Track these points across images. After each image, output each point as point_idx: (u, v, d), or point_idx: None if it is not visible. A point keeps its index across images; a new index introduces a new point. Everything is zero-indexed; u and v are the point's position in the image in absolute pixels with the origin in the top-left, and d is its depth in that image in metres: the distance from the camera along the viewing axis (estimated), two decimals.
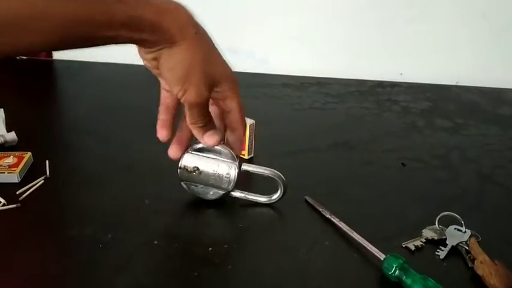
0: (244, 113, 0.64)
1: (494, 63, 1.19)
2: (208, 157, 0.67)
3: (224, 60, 0.62)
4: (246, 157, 0.81)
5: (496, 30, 1.16)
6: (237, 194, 0.69)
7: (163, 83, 0.64)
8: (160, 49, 0.54)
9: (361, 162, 0.83)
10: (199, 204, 0.69)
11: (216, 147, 0.65)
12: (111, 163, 0.79)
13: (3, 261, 0.58)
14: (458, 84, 1.21)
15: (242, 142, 0.67)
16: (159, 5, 0.52)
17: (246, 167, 0.68)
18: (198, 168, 0.67)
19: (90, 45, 0.51)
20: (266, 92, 1.13)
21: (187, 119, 0.61)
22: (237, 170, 0.66)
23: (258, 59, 1.26)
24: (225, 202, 0.70)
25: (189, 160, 0.67)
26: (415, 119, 1.01)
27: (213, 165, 0.67)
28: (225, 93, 0.62)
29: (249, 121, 0.79)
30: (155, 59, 0.56)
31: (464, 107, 1.08)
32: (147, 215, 0.67)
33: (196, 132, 0.63)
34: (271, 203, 0.69)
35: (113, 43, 0.51)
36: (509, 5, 1.14)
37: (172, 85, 0.57)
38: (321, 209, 0.68)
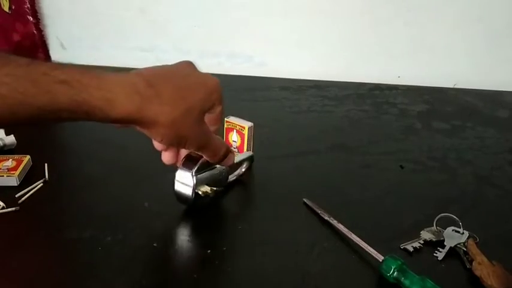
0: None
1: (492, 65, 1.20)
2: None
3: (199, 80, 0.55)
4: None
5: (493, 33, 1.17)
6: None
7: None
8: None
9: (359, 164, 0.83)
10: (201, 206, 0.69)
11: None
12: (110, 166, 0.80)
13: (3, 264, 0.58)
14: (456, 86, 1.21)
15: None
16: (107, 88, 0.47)
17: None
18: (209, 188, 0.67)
19: (41, 122, 0.47)
20: (264, 95, 1.13)
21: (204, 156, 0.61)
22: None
23: (256, 63, 1.26)
24: (223, 205, 0.70)
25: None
26: (412, 121, 1.01)
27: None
28: (214, 107, 0.57)
29: (248, 124, 0.79)
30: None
31: (461, 110, 1.08)
32: (146, 217, 0.67)
33: (213, 161, 0.62)
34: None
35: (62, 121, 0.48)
36: (505, 8, 1.14)
37: (169, 146, 0.58)
38: (319, 211, 0.68)
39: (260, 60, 1.26)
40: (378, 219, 0.68)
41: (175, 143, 0.55)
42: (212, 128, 0.58)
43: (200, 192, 0.65)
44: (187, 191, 0.65)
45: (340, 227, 0.64)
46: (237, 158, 0.73)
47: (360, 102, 1.10)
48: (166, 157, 0.62)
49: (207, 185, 0.66)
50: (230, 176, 0.73)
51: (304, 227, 0.67)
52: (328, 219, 0.66)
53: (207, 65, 1.25)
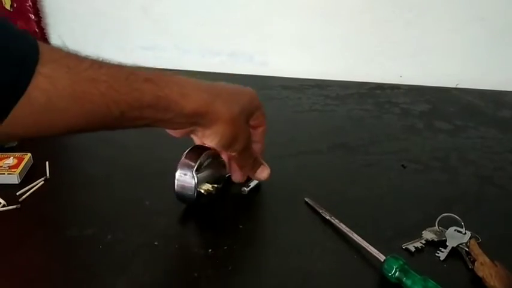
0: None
1: (494, 65, 1.19)
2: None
3: (241, 87, 0.62)
4: None
5: (496, 33, 1.16)
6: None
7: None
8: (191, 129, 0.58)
9: (361, 164, 0.83)
10: (201, 205, 0.69)
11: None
12: (111, 165, 0.80)
13: (3, 262, 0.58)
14: (458, 86, 1.21)
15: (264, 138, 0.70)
16: (183, 84, 0.54)
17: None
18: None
19: (114, 128, 0.53)
20: (265, 94, 1.13)
21: (237, 162, 0.64)
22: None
23: (257, 62, 1.26)
24: (225, 205, 0.70)
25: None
26: (414, 121, 1.01)
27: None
28: (256, 113, 0.64)
29: None
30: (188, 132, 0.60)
31: (464, 110, 1.08)
32: (147, 216, 0.67)
33: (246, 173, 0.66)
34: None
35: (138, 125, 0.53)
36: (508, 7, 1.14)
37: (220, 148, 0.61)
38: (321, 211, 0.68)
39: (261, 59, 1.26)
40: (380, 219, 0.68)
41: (228, 142, 0.59)
42: (258, 131, 0.66)
43: (202, 191, 0.65)
44: (189, 190, 0.64)
45: (342, 226, 0.64)
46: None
47: (362, 101, 1.10)
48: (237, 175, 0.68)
49: (208, 182, 0.66)
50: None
51: (306, 226, 0.66)
52: (329, 218, 0.66)
53: (209, 64, 1.26)
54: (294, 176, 0.78)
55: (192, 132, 0.60)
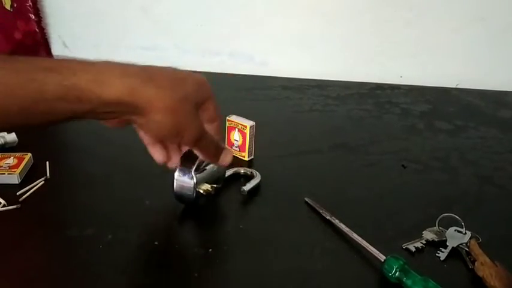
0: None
1: (494, 65, 1.19)
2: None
3: (188, 74, 0.53)
4: (246, 159, 0.81)
5: (496, 33, 1.16)
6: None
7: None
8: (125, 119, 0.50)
9: (361, 164, 0.83)
10: (200, 205, 0.69)
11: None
12: (111, 164, 0.80)
13: (4, 261, 0.58)
14: (458, 86, 1.21)
15: (221, 132, 0.62)
16: (97, 71, 0.46)
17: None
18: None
19: (26, 125, 0.47)
20: (266, 94, 1.13)
21: (199, 154, 0.59)
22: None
23: (258, 62, 1.26)
24: (225, 204, 0.70)
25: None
26: (415, 121, 1.01)
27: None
28: (206, 103, 0.55)
29: (249, 123, 0.79)
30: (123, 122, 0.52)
31: (464, 110, 1.08)
32: (147, 215, 0.67)
33: (211, 161, 0.62)
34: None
35: (62, 119, 0.46)
36: (508, 7, 1.14)
37: (164, 139, 0.55)
38: (321, 211, 0.68)
39: (261, 59, 1.26)
40: (380, 219, 0.68)
41: (171, 134, 0.51)
42: (212, 126, 0.57)
43: (201, 191, 0.65)
44: (188, 190, 0.64)
45: (342, 226, 0.64)
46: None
47: (362, 101, 1.10)
48: (157, 153, 0.60)
49: (207, 182, 0.66)
50: (227, 172, 0.74)
51: (306, 226, 0.66)
52: (329, 218, 0.66)
53: (209, 64, 1.26)
54: (294, 175, 0.78)
55: (128, 122, 0.52)
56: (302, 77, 1.22)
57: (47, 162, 0.77)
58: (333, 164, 0.83)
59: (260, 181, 0.73)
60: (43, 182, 0.73)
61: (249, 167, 0.80)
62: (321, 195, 0.71)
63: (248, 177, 0.75)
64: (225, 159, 0.60)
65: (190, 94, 0.51)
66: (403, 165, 0.82)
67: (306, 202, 0.70)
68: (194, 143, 0.53)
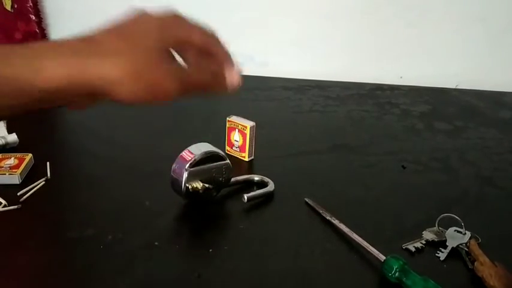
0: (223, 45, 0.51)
1: (494, 66, 1.19)
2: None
3: (147, 20, 0.45)
4: (246, 159, 0.81)
5: (495, 34, 1.17)
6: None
7: None
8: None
9: (361, 164, 0.83)
10: (200, 206, 0.69)
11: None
12: (111, 165, 0.80)
13: (4, 262, 0.58)
14: (458, 87, 1.21)
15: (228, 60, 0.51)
16: (34, 55, 0.40)
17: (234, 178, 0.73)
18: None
19: None
20: (266, 94, 1.13)
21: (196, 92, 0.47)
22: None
23: (258, 62, 1.26)
24: (226, 205, 0.70)
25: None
26: (414, 121, 1.01)
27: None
28: (186, 39, 0.47)
29: (250, 123, 0.79)
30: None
31: (463, 110, 1.08)
32: (147, 216, 0.67)
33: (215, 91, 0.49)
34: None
35: (13, 113, 0.40)
36: (507, 8, 1.14)
37: (147, 102, 0.43)
38: (321, 211, 0.68)
39: (262, 60, 1.26)
40: (380, 219, 0.68)
41: (147, 98, 0.42)
42: (215, 60, 0.48)
43: (190, 187, 0.66)
44: (178, 184, 0.66)
45: (342, 226, 0.64)
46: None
47: (362, 102, 1.10)
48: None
49: (201, 181, 0.66)
50: (234, 179, 0.73)
51: (306, 226, 0.67)
52: (329, 219, 0.66)
53: None
54: (294, 176, 0.78)
55: (96, 100, 0.44)
56: (302, 77, 1.22)
57: (48, 163, 0.77)
58: (333, 165, 0.83)
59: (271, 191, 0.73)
60: (44, 182, 0.73)
61: (249, 167, 0.80)
62: (321, 196, 0.71)
63: (260, 185, 0.75)
64: (233, 80, 0.50)
65: (153, 44, 0.42)
66: (403, 166, 0.82)
67: (306, 202, 0.71)
68: (180, 93, 0.44)
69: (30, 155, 0.77)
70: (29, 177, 0.74)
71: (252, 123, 0.79)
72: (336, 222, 0.65)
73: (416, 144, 0.91)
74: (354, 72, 1.22)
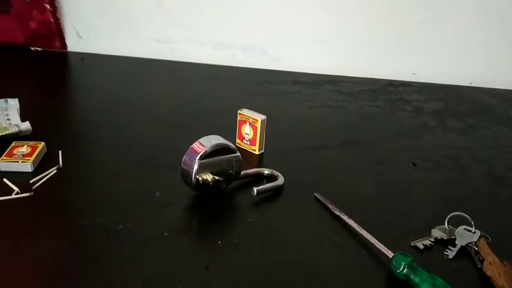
0: None
1: (508, 64, 1.18)
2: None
3: None
4: (257, 153, 0.81)
5: (509, 32, 1.15)
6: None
7: None
8: None
9: (372, 160, 0.83)
10: (209, 198, 0.69)
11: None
12: (123, 155, 0.80)
13: (15, 248, 0.59)
14: (471, 85, 1.20)
15: None
16: None
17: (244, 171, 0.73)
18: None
19: None
20: (278, 88, 1.13)
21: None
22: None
23: (270, 56, 1.26)
24: (235, 197, 0.71)
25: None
26: (427, 119, 1.00)
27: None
28: None
29: (261, 116, 0.79)
30: None
31: (476, 108, 1.07)
32: (158, 207, 0.67)
33: None
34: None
35: None
36: None
37: None
38: (330, 206, 0.68)
39: (274, 54, 1.26)
40: (389, 216, 0.68)
41: None
42: None
43: (200, 179, 0.66)
44: (189, 175, 0.66)
45: (351, 222, 0.64)
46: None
47: (374, 98, 1.10)
48: None
49: (211, 173, 0.67)
50: (244, 172, 0.73)
51: (315, 221, 0.67)
52: (339, 214, 0.66)
53: (221, 57, 1.26)
54: (304, 171, 0.78)
55: None
56: (314, 72, 1.21)
57: (60, 152, 0.78)
58: (343, 160, 0.83)
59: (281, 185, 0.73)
60: (55, 171, 0.74)
61: (259, 161, 0.80)
62: (331, 191, 0.71)
63: (269, 179, 0.75)
64: None
65: None
66: (413, 163, 0.82)
67: (316, 197, 0.71)
68: None
69: (42, 143, 0.78)
70: (41, 165, 0.75)
71: (263, 117, 0.79)
72: (345, 217, 0.65)
73: (428, 142, 0.91)
74: (367, 68, 1.21)
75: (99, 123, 0.92)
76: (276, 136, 0.83)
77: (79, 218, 0.65)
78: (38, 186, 0.70)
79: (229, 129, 0.82)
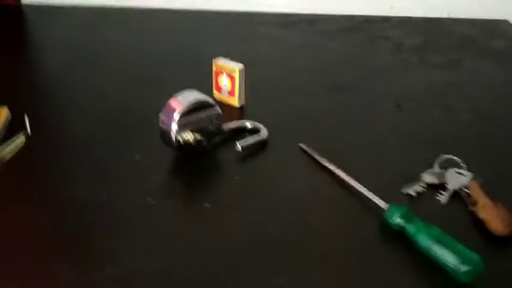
0: None
1: None
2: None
3: None
4: (237, 106, 0.78)
5: None
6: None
7: None
8: None
9: (355, 105, 0.80)
10: (192, 157, 0.66)
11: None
12: (95, 116, 0.75)
13: None
14: (450, 16, 1.16)
15: None
16: None
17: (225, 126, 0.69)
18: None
19: None
20: (250, 32, 1.08)
21: None
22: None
23: None
24: (218, 155, 0.68)
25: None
26: (408, 55, 0.97)
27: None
28: None
29: (238, 66, 0.75)
30: None
31: (457, 41, 1.05)
32: (139, 171, 0.64)
33: None
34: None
35: None
36: None
37: None
38: (317, 157, 0.66)
39: None
40: (377, 163, 0.67)
41: None
42: None
43: (181, 140, 0.62)
44: (168, 135, 0.63)
45: (339, 172, 0.62)
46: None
47: (353, 36, 1.06)
48: None
49: (191, 131, 0.63)
50: (226, 126, 0.70)
51: (303, 174, 0.64)
52: (326, 164, 0.64)
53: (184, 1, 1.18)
54: (287, 120, 0.75)
55: None
56: (286, 11, 1.16)
57: (25, 115, 0.72)
58: (325, 106, 0.80)
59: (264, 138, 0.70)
60: (23, 136, 0.68)
61: (240, 113, 0.77)
62: (316, 140, 0.68)
63: (252, 132, 0.71)
64: None
65: None
66: (398, 105, 0.80)
67: (301, 148, 0.68)
68: None
69: (5, 107, 0.72)
70: (6, 135, 0.69)
71: (240, 66, 0.75)
72: (332, 168, 0.63)
73: (411, 80, 0.88)
74: (342, 5, 1.16)
75: (65, 82, 0.86)
76: (254, 84, 0.79)
77: (59, 189, 0.61)
78: (9, 159, 0.65)
79: (204, 81, 0.78)
